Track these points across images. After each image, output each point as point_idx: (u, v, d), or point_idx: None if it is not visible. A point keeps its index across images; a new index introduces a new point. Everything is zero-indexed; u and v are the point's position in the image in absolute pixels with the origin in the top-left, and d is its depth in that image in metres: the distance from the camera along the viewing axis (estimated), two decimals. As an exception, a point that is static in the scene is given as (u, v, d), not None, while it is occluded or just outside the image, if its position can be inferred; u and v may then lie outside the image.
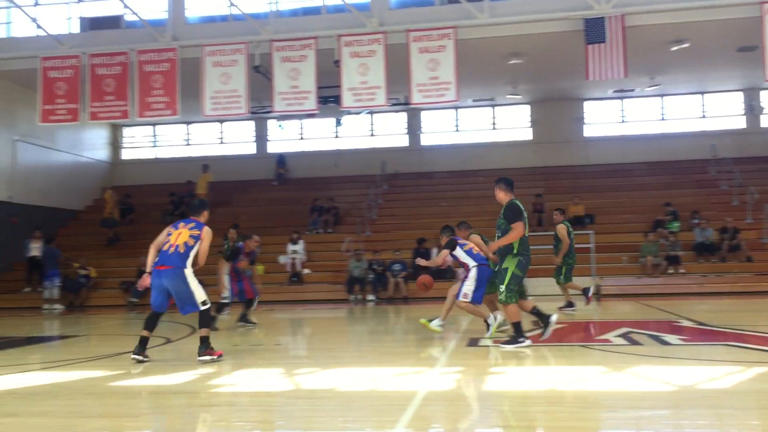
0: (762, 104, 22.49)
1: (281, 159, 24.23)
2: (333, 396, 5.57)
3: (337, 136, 24.56)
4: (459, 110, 23.82)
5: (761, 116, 22.53)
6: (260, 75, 16.83)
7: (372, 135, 24.51)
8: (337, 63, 16.07)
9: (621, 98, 23.01)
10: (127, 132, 25.63)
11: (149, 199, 23.07)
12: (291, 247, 18.65)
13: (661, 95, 22.75)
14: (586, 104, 23.47)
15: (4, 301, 18.18)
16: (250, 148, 25.03)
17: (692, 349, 7.75)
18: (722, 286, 16.36)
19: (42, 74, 16.94)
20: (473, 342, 8.37)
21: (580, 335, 9.21)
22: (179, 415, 5.11)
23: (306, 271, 18.58)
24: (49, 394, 5.93)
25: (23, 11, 18.06)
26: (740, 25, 15.91)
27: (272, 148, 24.94)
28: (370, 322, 11.50)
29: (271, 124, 24.40)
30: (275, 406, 5.35)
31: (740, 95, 22.63)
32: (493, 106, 23.80)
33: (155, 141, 25.55)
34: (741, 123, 22.69)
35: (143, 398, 5.74)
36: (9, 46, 18.62)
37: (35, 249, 18.41)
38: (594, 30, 15.56)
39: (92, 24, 19.05)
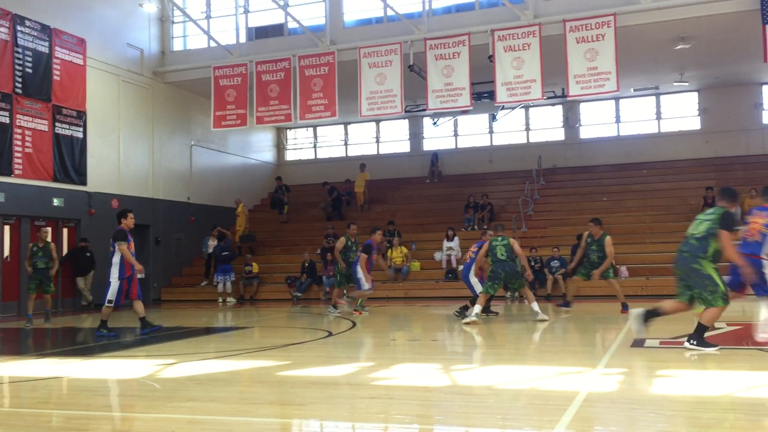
0: None
1: (435, 156, 24.40)
2: (491, 393, 5.55)
3: (491, 132, 24.35)
4: (620, 101, 22.81)
5: None
6: (414, 74, 17.05)
7: (527, 129, 24.07)
8: (490, 58, 15.94)
9: (804, 80, 21.02)
10: (290, 134, 26.91)
11: (310, 197, 24.07)
12: (446, 244, 18.73)
13: None
14: (766, 89, 21.65)
15: (184, 294, 19.71)
16: (405, 147, 25.41)
17: None
18: None
19: (214, 83, 18.19)
20: (638, 342, 8.00)
21: (751, 339, 8.52)
22: (342, 406, 5.30)
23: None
24: (224, 381, 6.37)
25: (197, 25, 19.48)
26: None
27: (427, 146, 25.17)
28: (528, 319, 11.31)
29: (426, 123, 24.63)
30: (433, 401, 5.41)
31: None
32: (657, 95, 22.57)
33: (316, 142, 26.61)
34: None
35: (309, 388, 6.01)
36: (186, 58, 20.17)
37: (211, 246, 19.79)
38: (772, 8, 14.33)
39: (258, 33, 20.18)
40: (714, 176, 20.13)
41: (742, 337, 8.69)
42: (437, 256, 18.90)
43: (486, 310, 11.67)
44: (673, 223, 18.14)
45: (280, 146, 26.67)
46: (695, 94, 22.24)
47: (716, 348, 7.21)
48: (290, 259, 20.15)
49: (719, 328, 9.29)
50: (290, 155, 26.91)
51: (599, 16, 15.36)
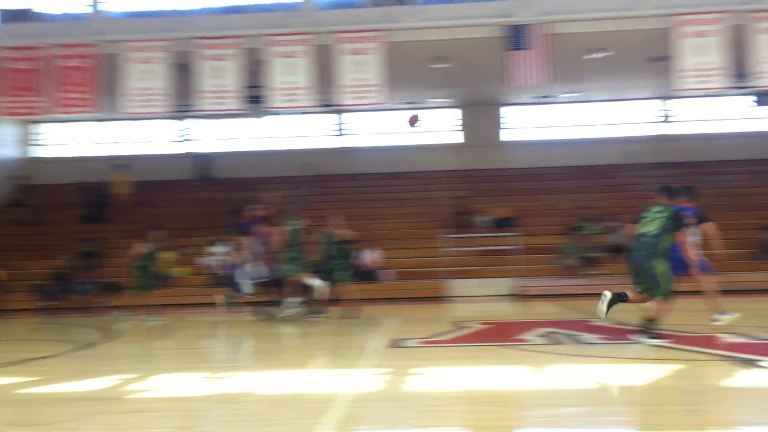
0: (671, 112, 23.49)
1: (205, 159, 23.78)
2: (253, 399, 5.52)
3: (263, 137, 24.30)
4: (387, 113, 23.93)
5: (670, 123, 23.52)
6: (184, 72, 16.48)
7: (299, 136, 24.37)
8: (263, 63, 15.91)
9: (540, 104, 23.59)
10: (44, 128, 24.61)
11: (65, 198, 22.23)
12: (213, 249, 18.34)
13: (579, 102, 23.44)
14: (506, 109, 23.99)
15: None
16: (175, 147, 24.45)
17: (609, 347, 8.02)
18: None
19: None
20: (395, 343, 8.43)
21: (502, 335, 9.40)
22: (95, 423, 4.94)
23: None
24: (-46, 403, 5.65)
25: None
26: (653, 36, 16.59)
27: (198, 147, 24.45)
28: (293, 324, 11.43)
29: (197, 124, 23.91)
30: (194, 411, 5.25)
31: (654, 103, 23.57)
32: (421, 108, 24.01)
33: (72, 139, 24.61)
34: (654, 130, 23.63)
35: (59, 405, 5.53)
36: None
37: None
38: (516, 37, 15.94)
39: (4, 16, 18.22)
40: (466, 187, 21.85)
41: (493, 334, 9.54)
42: (206, 261, 18.41)
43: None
44: (431, 230, 19.45)
45: (29, 141, 24.31)
46: (457, 110, 24.04)
47: (665, 341, 7.72)
48: (39, 265, 18.41)
49: (470, 327, 10.11)
50: (42, 151, 24.63)
51: (368, 30, 16.00)
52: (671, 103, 23.43)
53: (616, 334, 9.16)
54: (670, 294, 7.81)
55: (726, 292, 15.84)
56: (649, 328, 7.88)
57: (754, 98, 20.48)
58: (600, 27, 16.58)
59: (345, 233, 12.12)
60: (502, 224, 19.47)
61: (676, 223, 7.85)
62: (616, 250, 18.40)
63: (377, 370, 6.61)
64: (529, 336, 8.76)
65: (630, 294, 8.00)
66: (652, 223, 7.96)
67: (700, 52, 15.66)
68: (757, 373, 5.92)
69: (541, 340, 8.36)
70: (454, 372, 6.56)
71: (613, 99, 23.53)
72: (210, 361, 8.32)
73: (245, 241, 12.23)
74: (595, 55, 17.99)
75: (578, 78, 20.64)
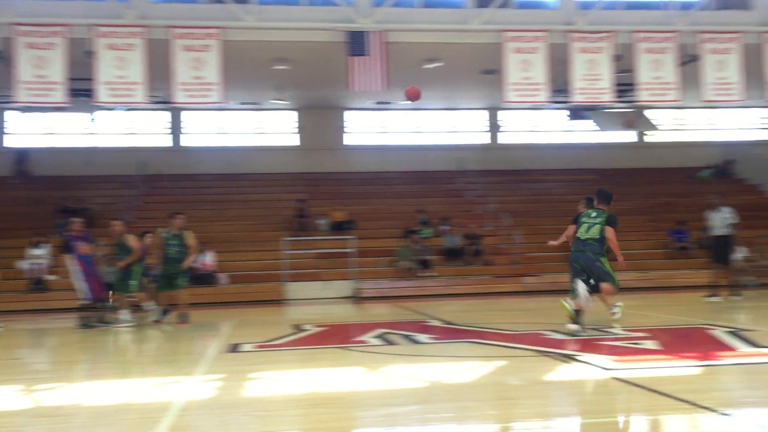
0: (500, 122, 24.90)
1: (23, 154, 22.03)
2: (80, 412, 5.18)
3: (90, 133, 22.89)
4: (225, 112, 23.40)
5: (499, 133, 24.93)
6: (2, 61, 15.18)
7: (131, 133, 23.22)
8: (90, 54, 15.00)
9: (380, 110, 24.12)
10: None
11: None
12: (33, 252, 17.02)
13: (417, 109, 24.24)
14: (349, 113, 24.31)
15: None
16: (-14, 142, 22.44)
17: (440, 346, 8.35)
18: (466, 288, 17.82)
19: None
20: (232, 348, 8.26)
21: (339, 337, 9.49)
22: None
23: (51, 277, 17.04)
24: None
25: None
26: (485, 50, 17.50)
27: (13, 142, 22.59)
28: (126, 332, 10.86)
29: (10, 116, 22.09)
30: (13, 427, 4.84)
31: (485, 113, 24.86)
32: (259, 110, 23.73)
33: None
34: (485, 139, 24.93)
35: None
36: None
37: None
38: (356, 43, 16.20)
39: None
40: (305, 190, 21.87)
41: (331, 337, 9.59)
42: (22, 264, 17.04)
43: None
44: (269, 233, 19.28)
45: None
46: (295, 113, 23.95)
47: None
48: None
49: (307, 330, 10.11)
50: None
51: (205, 27, 15.58)
52: (501, 114, 24.82)
53: (447, 333, 9.56)
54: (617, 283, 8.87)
55: (547, 293, 17.02)
56: (574, 319, 8.65)
57: (568, 113, 22.20)
58: (434, 38, 17.27)
59: (188, 235, 11.68)
60: (340, 227, 19.70)
61: (611, 225, 8.78)
62: (449, 253, 19.23)
63: (212, 376, 6.44)
64: (365, 337, 8.91)
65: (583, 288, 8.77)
66: (593, 229, 8.81)
67: (526, 68, 16.73)
68: (575, 367, 6.41)
69: (377, 341, 8.54)
70: (290, 375, 6.52)
71: (448, 108, 24.54)
72: (29, 372, 7.70)
73: (67, 260, 11.39)
74: (429, 65, 18.68)
75: (415, 86, 21.31)
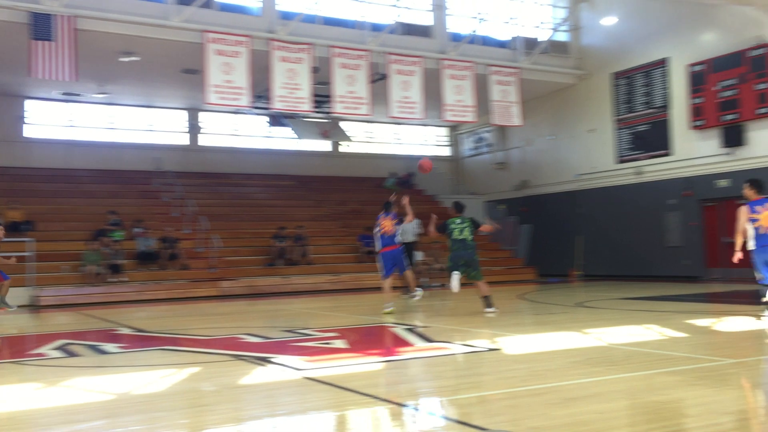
0: (201, 124, 24.48)
1: None
2: None
3: None
4: None
5: (199, 135, 24.50)
6: None
7: None
8: None
9: (68, 101, 22.22)
10: None
11: None
12: None
13: (110, 104, 22.79)
14: (31, 103, 21.99)
15: None
16: None
17: (130, 355, 7.91)
18: (161, 293, 17.18)
19: None
20: None
21: (10, 351, 8.51)
22: None
23: None
24: None
25: None
26: (185, 49, 17.08)
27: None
28: None
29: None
30: None
31: (184, 113, 24.23)
32: None
33: None
34: (184, 140, 24.29)
35: None
36: None
37: None
38: (41, 26, 14.74)
39: None
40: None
41: (3, 350, 8.54)
42: None
43: None
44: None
45: None
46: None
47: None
48: None
49: None
50: None
51: None
52: (201, 115, 24.38)
53: (138, 342, 9.10)
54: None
55: (245, 296, 17.15)
56: (489, 304, 10.93)
57: (267, 119, 22.68)
58: (131, 30, 16.42)
59: None
60: (16, 228, 17.65)
61: (474, 228, 11.20)
62: (143, 257, 18.33)
63: None
64: (43, 350, 8.11)
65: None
66: (466, 231, 11.06)
67: (227, 71, 16.68)
68: (269, 369, 6.50)
69: (58, 354, 7.81)
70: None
71: (144, 105, 23.45)
72: None
73: None
74: (125, 59, 17.72)
75: (109, 79, 20.06)
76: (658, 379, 5.57)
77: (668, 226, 20.41)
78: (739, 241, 9.27)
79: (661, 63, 20.43)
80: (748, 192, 9.33)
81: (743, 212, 9.21)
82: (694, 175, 19.63)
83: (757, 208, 9.08)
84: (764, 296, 9.24)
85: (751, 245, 9.13)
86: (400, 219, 12.48)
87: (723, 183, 19.01)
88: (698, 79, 19.34)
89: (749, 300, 12.08)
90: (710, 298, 14.38)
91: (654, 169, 20.64)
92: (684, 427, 4.34)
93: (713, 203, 19.49)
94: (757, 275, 9.23)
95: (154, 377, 6.37)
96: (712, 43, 19.16)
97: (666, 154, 20.34)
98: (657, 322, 9.47)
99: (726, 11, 18.61)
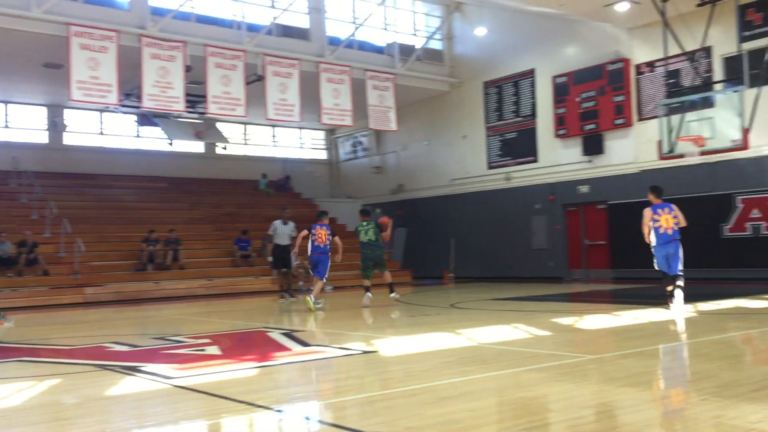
0: (65, 121, 23.17)
1: None
2: None
3: None
4: None
5: (64, 133, 23.19)
6: None
7: None
8: None
9: None
10: None
11: None
12: None
13: (-39, 98, 21.15)
14: None
15: None
16: None
17: (-18, 369, 7.35)
18: (19, 301, 16.08)
19: None
20: None
21: None
22: None
23: None
24: None
25: None
26: (47, 42, 16.13)
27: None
28: None
29: None
30: None
31: (44, 110, 22.85)
32: None
33: None
34: (44, 138, 22.90)
35: None
36: None
37: None
38: None
39: None
40: None
41: None
42: None
43: None
44: None
45: None
46: None
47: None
48: None
49: None
50: None
51: None
52: (66, 113, 23.07)
53: (-7, 353, 8.49)
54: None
55: (112, 303, 16.41)
56: (393, 290, 13.23)
57: (136, 118, 21.81)
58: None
59: None
60: None
61: (380, 231, 12.92)
62: (3, 262, 17.11)
63: None
64: None
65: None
66: (370, 233, 12.78)
67: (94, 66, 15.91)
68: (138, 379, 6.23)
69: None
70: None
71: (2, 101, 21.92)
72: None
73: None
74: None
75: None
76: (525, 376, 5.81)
77: (534, 229, 21.42)
78: (646, 237, 10.44)
79: (530, 73, 21.42)
80: (651, 197, 10.55)
81: (647, 214, 10.40)
82: (558, 181, 20.71)
83: (659, 210, 10.29)
84: (669, 287, 10.31)
85: (653, 242, 10.34)
86: (333, 232, 13.30)
87: (584, 189, 20.20)
88: (562, 90, 20.45)
89: (608, 299, 12.86)
90: (572, 298, 15.19)
91: (522, 174, 21.60)
92: (548, 421, 4.56)
93: (575, 208, 20.65)
94: (657, 266, 10.43)
95: (9, 391, 5.95)
96: (575, 56, 20.31)
97: (533, 161, 21.34)
98: (524, 321, 9.90)
99: (587, 27, 19.78)
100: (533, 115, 21.35)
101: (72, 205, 20.57)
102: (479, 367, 6.24)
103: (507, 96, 22.09)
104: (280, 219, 15.70)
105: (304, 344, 8.15)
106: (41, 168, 21.87)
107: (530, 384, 5.53)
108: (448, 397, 5.03)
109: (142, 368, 6.66)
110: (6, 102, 22.07)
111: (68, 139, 23.27)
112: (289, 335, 8.99)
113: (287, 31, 20.25)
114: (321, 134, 28.59)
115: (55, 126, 22.96)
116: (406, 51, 22.32)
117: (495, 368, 6.18)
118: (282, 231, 15.45)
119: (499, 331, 8.91)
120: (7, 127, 22.26)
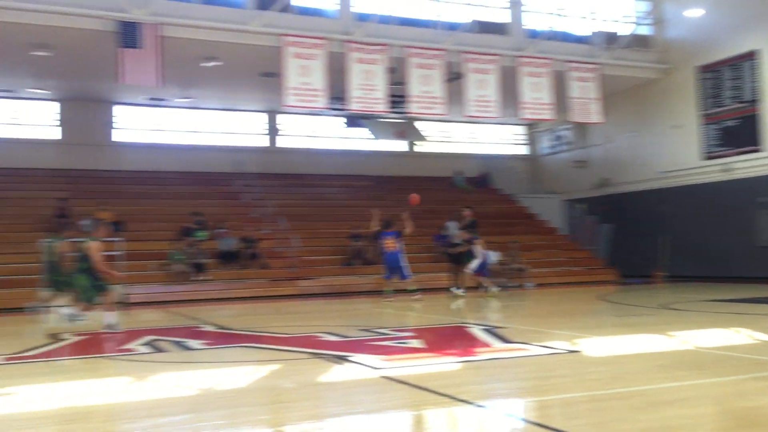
0: (279, 126, 24.93)
1: None
2: None
3: None
4: (-30, 99, 20.91)
5: (278, 137, 24.97)
6: None
7: None
8: None
9: (154, 106, 23.04)
10: None
11: None
12: None
13: (194, 108, 23.49)
14: (119, 108, 22.91)
15: None
16: None
17: (213, 352, 8.15)
18: (242, 292, 17.58)
19: None
20: (-23, 362, 7.39)
21: (102, 346, 8.89)
22: None
23: None
24: None
25: None
26: (263, 53, 17.45)
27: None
28: None
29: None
30: None
31: (264, 116, 24.74)
32: (15, 98, 21.51)
33: None
34: (264, 141, 24.81)
35: None
36: None
37: None
38: (128, 34, 15.33)
39: None
40: (66, 188, 20.25)
41: (93, 346, 8.93)
42: None
43: None
44: (26, 233, 17.47)
45: None
46: (57, 104, 22.05)
47: None
48: None
49: (65, 339, 9.34)
50: None
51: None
52: (279, 118, 24.84)
53: (221, 339, 9.35)
54: None
55: (322, 296, 17.34)
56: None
57: (345, 120, 22.87)
58: (212, 36, 16.89)
59: None
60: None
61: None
62: (225, 256, 18.83)
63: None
64: (132, 345, 8.43)
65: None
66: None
67: (304, 73, 16.94)
68: (347, 368, 6.57)
69: (145, 349, 8.11)
70: (44, 389, 5.97)
71: (226, 108, 24.08)
72: None
73: None
74: (207, 64, 18.22)
75: (192, 84, 20.69)
76: (748, 384, 5.33)
77: (759, 224, 19.51)
78: None
79: (751, 55, 19.55)
80: None
81: None
82: (787, 171, 18.70)
83: None
84: None
85: None
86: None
87: (819, 179, 18.04)
88: (791, 71, 18.42)
89: None
90: (805, 301, 13.66)
91: (743, 165, 19.77)
92: (778, 435, 4.15)
93: (808, 201, 18.52)
94: None
95: (235, 373, 6.53)
96: (806, 32, 18.20)
97: (756, 150, 19.46)
98: (747, 325, 9.07)
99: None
100: (756, 100, 19.45)
101: (286, 204, 22.09)
102: (696, 373, 5.82)
103: (724, 81, 20.32)
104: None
105: (506, 341, 8.09)
106: (261, 169, 23.71)
107: (754, 393, 5.06)
108: (660, 402, 4.75)
109: (351, 358, 7.00)
110: (230, 110, 24.19)
111: (283, 142, 25.03)
112: (489, 331, 8.98)
113: (485, 27, 20.18)
114: (521, 129, 28.18)
115: (273, 130, 24.78)
116: (611, 39, 21.31)
117: (713, 374, 5.73)
118: (453, 231, 16.49)
119: (719, 335, 8.25)
120: (232, 132, 24.39)
